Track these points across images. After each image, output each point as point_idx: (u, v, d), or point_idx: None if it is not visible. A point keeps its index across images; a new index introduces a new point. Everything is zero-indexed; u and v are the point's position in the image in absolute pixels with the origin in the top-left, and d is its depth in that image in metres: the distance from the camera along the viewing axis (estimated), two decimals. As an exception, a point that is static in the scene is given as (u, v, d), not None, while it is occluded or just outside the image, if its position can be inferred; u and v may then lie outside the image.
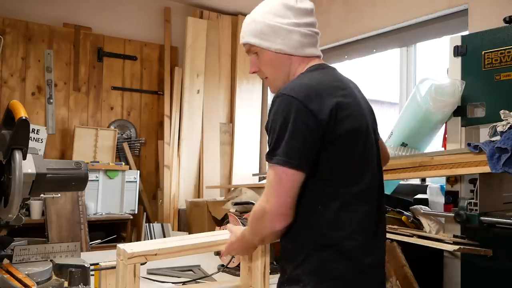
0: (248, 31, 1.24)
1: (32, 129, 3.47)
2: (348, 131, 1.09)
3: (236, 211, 2.96)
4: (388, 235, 2.01)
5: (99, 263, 1.45)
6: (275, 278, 1.70)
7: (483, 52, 2.07)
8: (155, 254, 1.29)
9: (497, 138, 1.84)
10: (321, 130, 1.05)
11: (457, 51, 2.17)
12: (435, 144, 2.58)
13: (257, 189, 3.31)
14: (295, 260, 1.12)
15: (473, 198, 1.94)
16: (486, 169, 1.80)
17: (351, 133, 1.10)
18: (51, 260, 1.51)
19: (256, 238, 1.17)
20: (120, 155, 3.96)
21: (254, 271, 1.53)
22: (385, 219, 1.26)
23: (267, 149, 1.10)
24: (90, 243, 3.29)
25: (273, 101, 1.11)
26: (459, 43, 2.17)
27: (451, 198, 2.09)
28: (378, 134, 1.32)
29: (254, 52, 1.24)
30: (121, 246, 1.28)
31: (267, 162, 1.10)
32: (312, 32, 1.23)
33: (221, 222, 3.26)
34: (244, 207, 2.96)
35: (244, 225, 1.80)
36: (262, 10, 1.23)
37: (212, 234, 1.52)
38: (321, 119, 1.05)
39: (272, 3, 1.22)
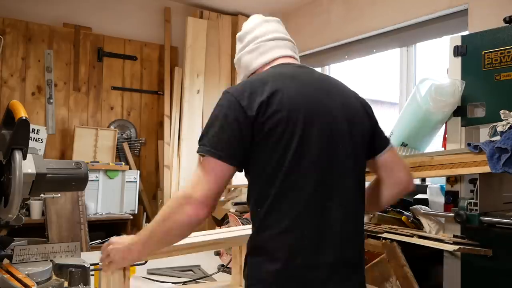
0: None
1: (32, 129, 3.47)
2: (276, 126, 1.06)
3: (236, 211, 2.97)
4: (388, 235, 2.01)
5: (99, 263, 1.45)
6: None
7: (483, 52, 2.07)
8: None
9: (497, 138, 1.84)
10: (249, 127, 1.05)
11: (457, 51, 2.17)
12: (435, 144, 2.58)
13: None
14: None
15: (473, 198, 1.93)
16: (486, 169, 1.80)
17: (279, 129, 1.06)
18: (51, 260, 1.51)
19: (167, 225, 1.07)
20: (120, 155, 3.96)
21: None
22: (354, 217, 1.15)
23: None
24: (90, 243, 3.29)
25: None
26: (459, 43, 2.17)
27: (451, 198, 2.09)
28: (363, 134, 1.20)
29: None
30: None
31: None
32: (257, 44, 1.28)
33: (221, 222, 3.27)
34: (244, 207, 2.96)
35: (244, 225, 1.80)
36: None
37: (206, 233, 1.51)
38: (250, 116, 1.05)
39: None
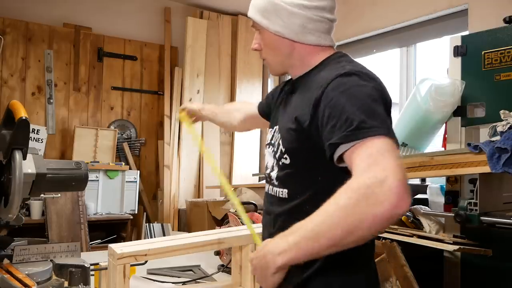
0: (253, 4, 1.13)
1: (32, 129, 3.47)
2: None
3: (236, 211, 2.96)
4: (388, 235, 2.01)
5: (99, 263, 1.45)
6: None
7: (483, 52, 2.08)
8: (145, 255, 1.28)
9: (497, 138, 1.84)
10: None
11: (457, 51, 2.18)
12: (435, 144, 2.58)
13: (257, 189, 3.31)
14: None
15: (473, 198, 1.93)
16: (486, 169, 1.79)
17: None
18: (51, 260, 1.51)
19: (352, 223, 0.78)
20: (120, 155, 3.97)
21: (244, 270, 1.53)
22: None
23: (344, 127, 0.87)
24: (90, 243, 3.29)
25: (341, 80, 0.93)
26: (459, 43, 2.17)
27: (451, 198, 2.09)
28: None
29: (258, 29, 1.13)
30: (112, 246, 1.28)
31: (356, 140, 0.84)
32: (322, 18, 1.06)
33: (221, 222, 3.26)
34: (244, 207, 2.95)
35: (243, 224, 1.79)
36: None
37: (206, 233, 1.51)
38: (389, 109, 0.96)
39: None
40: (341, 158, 0.89)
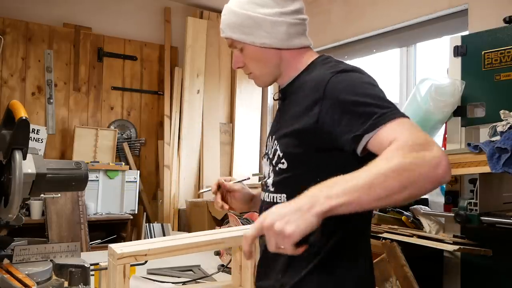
0: (228, 24, 1.11)
1: (32, 129, 3.47)
2: None
3: (236, 211, 2.96)
4: (388, 235, 2.01)
5: (99, 263, 1.45)
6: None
7: (483, 52, 2.08)
8: (145, 255, 1.28)
9: (497, 138, 1.84)
10: None
11: (457, 51, 2.17)
12: (435, 144, 2.58)
13: (257, 189, 3.30)
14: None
15: (473, 198, 1.94)
16: (486, 169, 1.79)
17: None
18: (51, 260, 1.51)
19: (412, 184, 0.77)
20: (120, 155, 3.97)
21: (244, 270, 1.53)
22: None
23: (363, 118, 0.88)
24: (90, 243, 3.29)
25: (340, 77, 0.96)
26: (459, 43, 2.17)
27: (451, 198, 2.09)
28: None
29: (238, 48, 1.12)
30: (112, 246, 1.28)
31: (381, 125, 0.86)
32: (300, 20, 1.10)
33: (221, 222, 3.27)
34: (244, 207, 2.95)
35: (243, 224, 1.80)
36: (241, 0, 1.10)
37: (204, 233, 1.51)
38: None
39: None
40: (365, 149, 0.90)
